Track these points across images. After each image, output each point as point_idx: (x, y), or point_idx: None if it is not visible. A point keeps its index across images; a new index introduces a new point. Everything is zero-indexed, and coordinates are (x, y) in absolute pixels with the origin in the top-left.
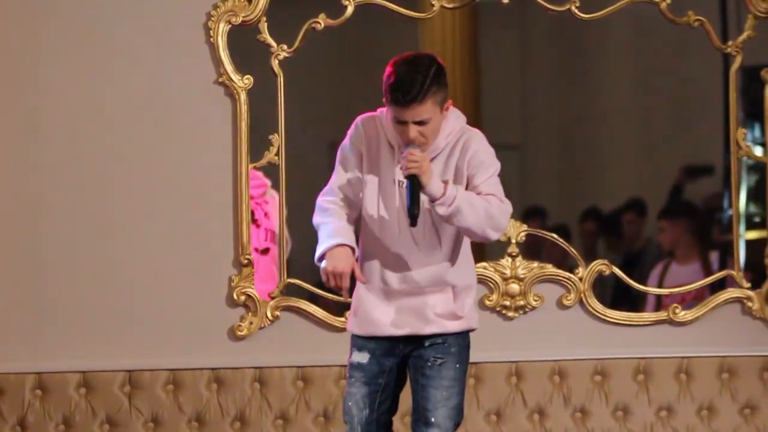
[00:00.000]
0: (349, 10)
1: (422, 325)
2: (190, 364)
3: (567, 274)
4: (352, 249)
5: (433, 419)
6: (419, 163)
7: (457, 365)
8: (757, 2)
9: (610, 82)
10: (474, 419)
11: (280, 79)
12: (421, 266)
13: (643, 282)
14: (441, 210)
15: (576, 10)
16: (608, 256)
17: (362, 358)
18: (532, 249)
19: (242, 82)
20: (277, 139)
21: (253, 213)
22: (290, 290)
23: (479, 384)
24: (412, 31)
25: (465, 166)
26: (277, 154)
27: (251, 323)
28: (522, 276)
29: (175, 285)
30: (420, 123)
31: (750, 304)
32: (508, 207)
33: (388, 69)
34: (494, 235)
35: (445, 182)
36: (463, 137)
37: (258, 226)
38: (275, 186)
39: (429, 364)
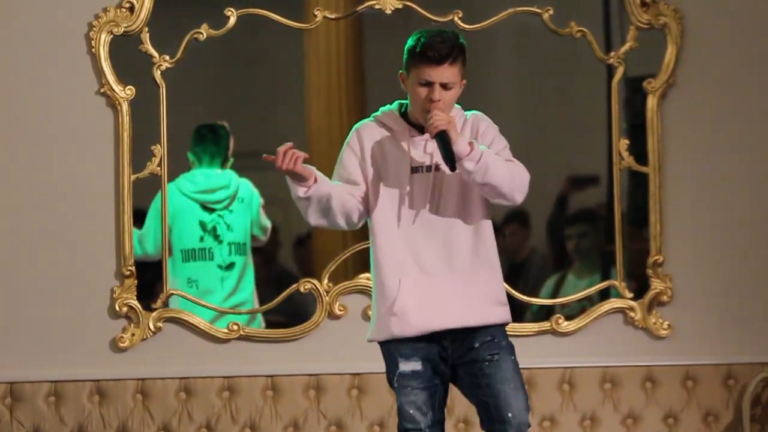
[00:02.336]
0: (232, 20)
1: (467, 315)
2: (72, 376)
3: None
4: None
5: (510, 414)
6: (445, 120)
7: (512, 357)
8: (639, 13)
9: (494, 92)
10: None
11: (163, 90)
12: (451, 247)
13: (530, 293)
14: (470, 165)
15: (459, 21)
16: None
17: (414, 365)
18: None
19: (124, 93)
20: (160, 150)
21: (215, 230)
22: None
23: (363, 395)
24: (297, 41)
25: (479, 138)
26: (159, 165)
27: (133, 335)
28: None
29: (57, 296)
30: (444, 86)
31: (632, 314)
32: (526, 173)
33: (413, 38)
34: (519, 197)
35: (471, 142)
36: (470, 117)
37: (220, 242)
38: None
39: (487, 362)
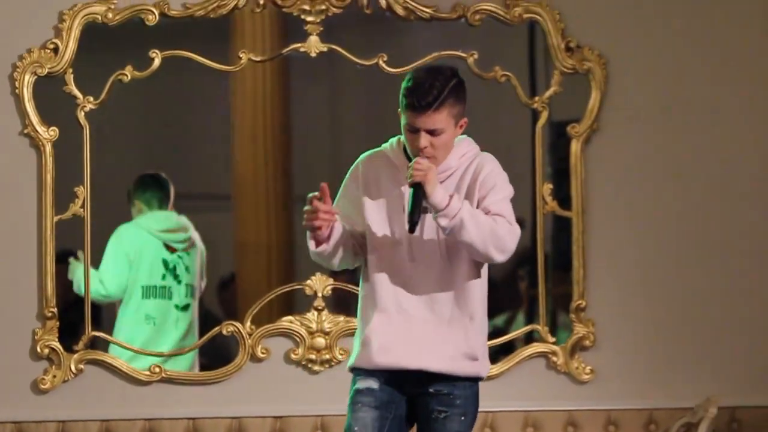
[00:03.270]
0: (156, 62)
1: (432, 360)
2: None
3: None
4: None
5: None
6: (424, 171)
7: (462, 418)
8: (564, 58)
9: None
10: None
11: (86, 131)
12: (437, 290)
13: None
14: (443, 222)
15: (384, 65)
16: None
17: (371, 384)
18: (339, 303)
19: (48, 134)
20: (83, 192)
21: (175, 269)
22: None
23: None
24: (223, 83)
25: (477, 187)
26: (82, 207)
27: (55, 376)
28: (328, 330)
29: None
30: (432, 132)
31: (555, 358)
32: (516, 229)
33: (406, 78)
34: (498, 257)
35: (451, 195)
36: (477, 159)
37: (179, 282)
38: (80, 241)
39: (433, 417)
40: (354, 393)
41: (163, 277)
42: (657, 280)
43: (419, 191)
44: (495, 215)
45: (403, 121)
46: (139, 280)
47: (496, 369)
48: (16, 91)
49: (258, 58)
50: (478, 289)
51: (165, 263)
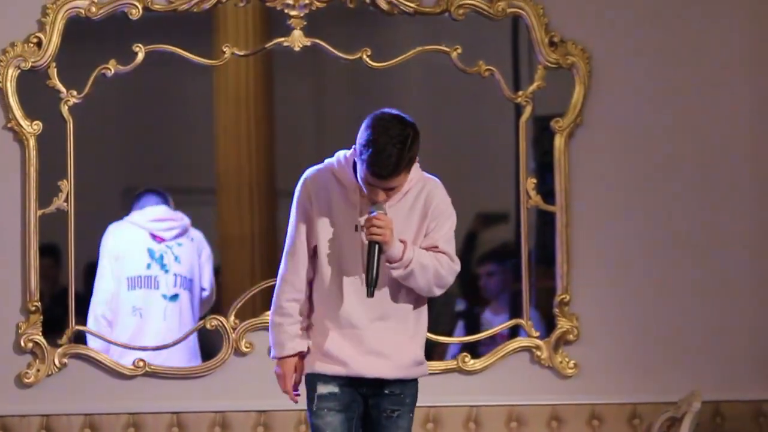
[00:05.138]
0: (140, 56)
1: (389, 369)
2: None
3: None
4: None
5: None
6: (383, 230)
7: (410, 415)
8: (548, 53)
9: None
10: None
11: (70, 125)
12: (387, 304)
13: (439, 331)
14: (396, 273)
15: (367, 59)
16: None
17: (332, 389)
18: None
19: (31, 128)
20: (66, 186)
21: (162, 258)
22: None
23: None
24: (206, 77)
25: (429, 215)
26: (66, 201)
27: (38, 370)
28: None
29: None
30: (390, 189)
31: (539, 353)
32: (456, 266)
33: (366, 132)
34: (438, 292)
35: (403, 242)
36: (427, 186)
37: (166, 271)
38: (64, 235)
39: (385, 415)
40: (317, 398)
41: (148, 266)
42: (641, 275)
43: (376, 248)
44: (440, 253)
45: (361, 173)
46: (125, 272)
47: (480, 363)
48: (0, 85)
49: (241, 53)
50: (423, 300)
51: (150, 252)
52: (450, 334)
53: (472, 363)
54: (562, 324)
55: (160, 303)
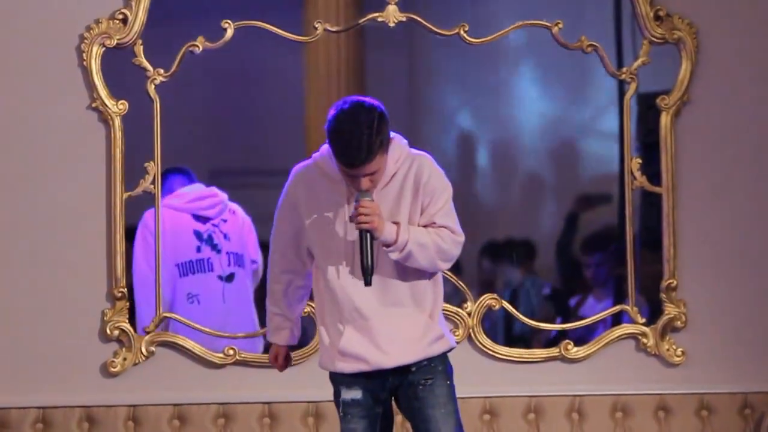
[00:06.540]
0: (229, 32)
1: (408, 354)
2: (61, 402)
3: (455, 308)
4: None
5: None
6: (371, 216)
7: (448, 382)
8: (653, 27)
9: (502, 106)
10: None
11: (157, 105)
12: (393, 292)
13: (540, 317)
14: (394, 255)
15: (465, 35)
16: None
17: (355, 394)
18: None
19: (117, 108)
20: (153, 167)
21: (211, 239)
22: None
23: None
24: (297, 54)
25: (421, 191)
26: (152, 183)
27: (125, 359)
28: None
29: (45, 319)
30: (370, 174)
31: (645, 340)
32: (460, 238)
33: (331, 122)
34: (444, 266)
35: (396, 224)
36: (415, 163)
37: (218, 251)
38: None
39: (420, 386)
40: (342, 404)
41: (198, 249)
42: (752, 258)
43: (367, 234)
44: (440, 228)
45: (336, 166)
46: (174, 259)
47: (583, 351)
48: (84, 63)
49: (334, 29)
50: (430, 284)
51: (198, 235)
52: (551, 320)
53: (575, 351)
54: (669, 310)
55: (216, 285)
